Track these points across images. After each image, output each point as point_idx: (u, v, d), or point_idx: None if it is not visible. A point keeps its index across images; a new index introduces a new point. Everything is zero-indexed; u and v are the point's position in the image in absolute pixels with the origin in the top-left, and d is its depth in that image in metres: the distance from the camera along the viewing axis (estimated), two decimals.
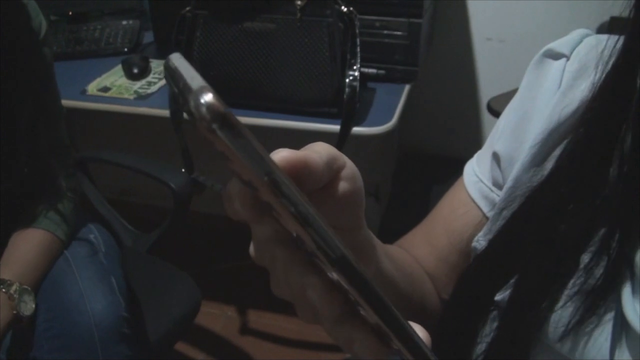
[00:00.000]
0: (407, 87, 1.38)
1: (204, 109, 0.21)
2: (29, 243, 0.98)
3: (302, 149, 0.30)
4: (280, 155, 0.28)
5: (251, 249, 0.32)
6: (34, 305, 0.94)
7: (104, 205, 1.26)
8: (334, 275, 0.26)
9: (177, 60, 0.24)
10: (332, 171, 0.31)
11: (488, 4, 1.61)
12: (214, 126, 0.21)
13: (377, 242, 0.42)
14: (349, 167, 0.33)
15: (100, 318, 0.96)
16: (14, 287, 0.92)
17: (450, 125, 1.80)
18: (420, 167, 1.77)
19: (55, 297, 0.98)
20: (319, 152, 0.30)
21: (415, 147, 1.86)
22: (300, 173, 0.28)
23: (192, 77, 0.22)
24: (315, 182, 0.29)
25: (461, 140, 1.79)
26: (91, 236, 1.10)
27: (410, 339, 0.29)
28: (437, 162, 1.78)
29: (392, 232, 0.65)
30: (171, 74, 0.23)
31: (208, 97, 0.21)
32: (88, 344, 0.94)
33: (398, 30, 1.35)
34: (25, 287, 0.94)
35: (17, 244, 0.98)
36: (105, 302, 0.98)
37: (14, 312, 0.90)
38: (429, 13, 1.43)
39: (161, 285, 1.12)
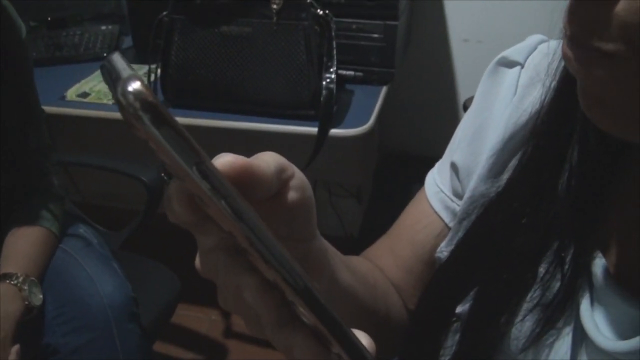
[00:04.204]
0: (384, 89, 1.39)
1: (130, 97, 0.21)
2: (27, 239, 1.01)
3: (251, 158, 0.29)
4: (224, 160, 0.27)
5: (197, 261, 0.32)
6: (41, 296, 0.98)
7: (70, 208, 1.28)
8: (271, 275, 0.26)
9: (116, 58, 0.24)
10: (281, 181, 0.31)
11: (465, 5, 1.61)
12: (140, 113, 0.21)
13: (335, 252, 0.41)
14: (298, 177, 0.32)
15: (111, 299, 1.01)
16: (21, 279, 0.95)
17: (428, 125, 1.81)
18: (400, 168, 1.78)
19: (62, 286, 1.02)
20: (266, 161, 0.29)
21: (395, 148, 1.87)
22: (245, 180, 0.27)
23: (125, 68, 0.22)
24: (264, 191, 0.29)
25: (439, 141, 1.79)
26: (80, 230, 1.14)
27: (349, 341, 0.28)
28: (416, 162, 1.78)
29: (374, 232, 0.64)
30: (108, 70, 0.23)
31: (136, 85, 0.21)
32: (103, 324, 0.99)
33: (374, 33, 1.36)
34: (32, 278, 0.97)
35: (15, 241, 1.01)
36: (114, 284, 1.03)
37: (26, 302, 0.94)
38: (405, 15, 1.44)
39: (138, 276, 1.14)
